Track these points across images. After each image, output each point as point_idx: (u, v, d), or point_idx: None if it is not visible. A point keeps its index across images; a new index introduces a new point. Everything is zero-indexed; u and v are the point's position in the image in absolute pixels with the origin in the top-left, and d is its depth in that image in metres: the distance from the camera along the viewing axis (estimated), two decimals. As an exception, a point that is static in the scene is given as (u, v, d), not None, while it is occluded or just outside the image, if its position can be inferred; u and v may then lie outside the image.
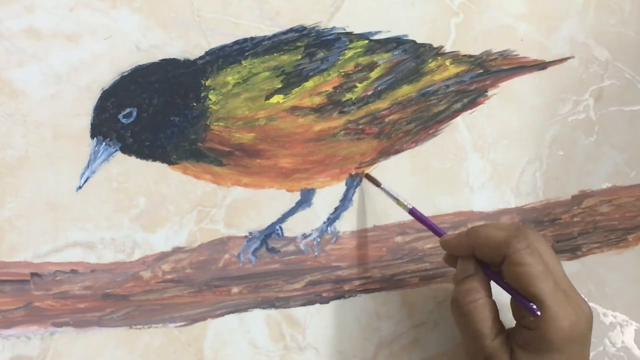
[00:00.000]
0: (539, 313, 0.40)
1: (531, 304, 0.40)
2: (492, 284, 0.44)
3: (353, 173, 0.51)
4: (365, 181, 0.51)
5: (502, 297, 0.43)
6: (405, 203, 0.48)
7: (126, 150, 0.48)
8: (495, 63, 0.53)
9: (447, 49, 0.53)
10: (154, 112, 0.48)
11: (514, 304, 0.43)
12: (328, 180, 0.51)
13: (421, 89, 0.52)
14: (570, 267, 0.53)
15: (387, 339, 0.50)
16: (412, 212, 0.48)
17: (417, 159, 0.52)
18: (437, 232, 0.47)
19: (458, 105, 0.53)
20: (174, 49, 0.49)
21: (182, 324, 0.48)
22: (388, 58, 0.52)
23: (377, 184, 0.50)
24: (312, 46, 0.51)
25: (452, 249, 0.45)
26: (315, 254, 0.50)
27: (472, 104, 0.53)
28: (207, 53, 0.49)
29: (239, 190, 0.49)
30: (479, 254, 0.43)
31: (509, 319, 0.44)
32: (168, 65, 0.49)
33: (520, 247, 0.41)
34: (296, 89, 0.50)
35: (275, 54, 0.50)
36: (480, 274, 0.43)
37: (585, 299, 0.43)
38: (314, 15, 0.51)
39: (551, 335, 0.40)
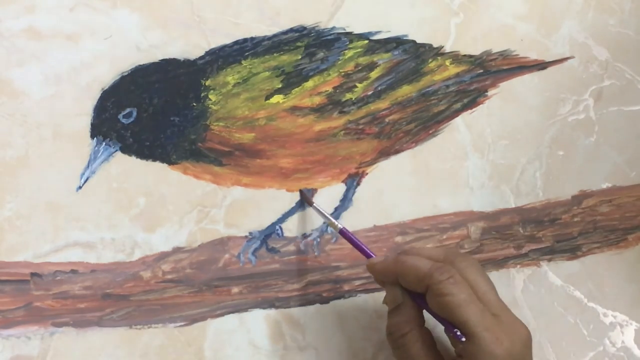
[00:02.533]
0: (463, 339, 0.39)
1: (456, 330, 0.40)
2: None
3: (353, 173, 0.51)
4: (365, 181, 0.51)
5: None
6: (336, 223, 0.47)
7: (126, 150, 0.48)
8: (495, 63, 0.53)
9: (447, 49, 0.53)
10: (154, 112, 0.48)
11: (447, 333, 0.42)
12: (328, 180, 0.51)
13: (421, 89, 0.52)
14: (570, 267, 0.53)
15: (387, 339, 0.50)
16: (342, 232, 0.47)
17: (417, 159, 0.52)
18: (367, 253, 0.45)
19: (458, 105, 0.53)
20: (174, 49, 0.49)
21: (182, 324, 0.48)
22: (388, 58, 0.52)
23: (309, 202, 0.49)
24: (312, 46, 0.51)
25: (378, 273, 0.44)
26: (315, 254, 0.50)
27: (472, 104, 0.53)
28: (207, 53, 0.49)
29: (239, 190, 0.49)
30: (404, 283, 0.42)
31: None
32: (168, 65, 0.49)
33: (442, 278, 0.40)
34: (296, 89, 0.50)
35: (275, 54, 0.50)
36: (408, 303, 0.42)
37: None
38: (314, 15, 0.51)
39: None
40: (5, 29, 0.47)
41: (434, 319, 0.42)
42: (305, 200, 0.49)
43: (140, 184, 0.48)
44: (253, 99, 0.49)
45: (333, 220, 0.47)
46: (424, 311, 0.42)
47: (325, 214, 0.48)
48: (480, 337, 0.39)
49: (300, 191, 0.50)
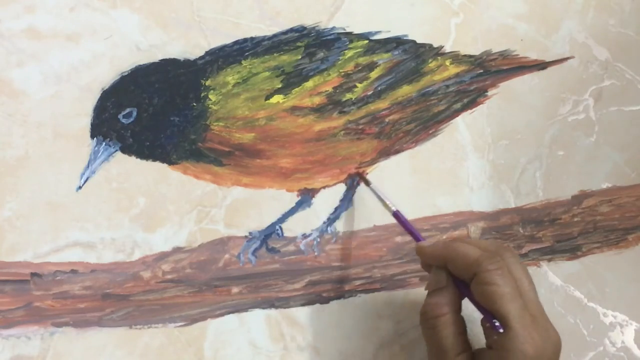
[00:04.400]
0: (501, 330, 0.40)
1: (495, 321, 0.40)
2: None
3: (353, 173, 0.51)
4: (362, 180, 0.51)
5: (475, 315, 0.43)
6: (390, 205, 0.48)
7: (126, 150, 0.48)
8: (495, 63, 0.53)
9: (447, 49, 0.53)
10: (154, 112, 0.48)
11: (483, 323, 0.43)
12: (328, 180, 0.51)
13: (421, 89, 0.52)
14: (570, 267, 0.53)
15: (387, 339, 0.50)
16: (396, 215, 0.48)
17: (417, 159, 0.52)
18: (416, 237, 0.46)
19: (458, 105, 0.53)
20: (174, 49, 0.49)
21: (182, 324, 0.48)
22: (388, 58, 0.52)
23: (367, 183, 0.50)
24: (312, 46, 0.51)
25: (426, 256, 0.45)
26: (315, 254, 0.50)
27: (472, 104, 0.53)
28: (207, 53, 0.49)
29: (239, 190, 0.49)
30: (451, 267, 0.43)
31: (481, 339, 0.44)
32: (168, 65, 0.49)
33: (491, 267, 0.40)
34: (296, 89, 0.50)
35: (275, 54, 0.50)
36: (451, 287, 0.43)
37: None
38: (314, 15, 0.51)
39: (512, 358, 0.39)
40: (5, 29, 0.47)
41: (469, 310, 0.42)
42: (363, 181, 0.50)
43: (140, 184, 0.48)
44: (253, 99, 0.49)
45: (388, 202, 0.48)
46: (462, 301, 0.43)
47: (381, 195, 0.49)
48: (516, 333, 0.39)
49: (358, 173, 0.51)
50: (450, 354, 0.41)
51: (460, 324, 0.42)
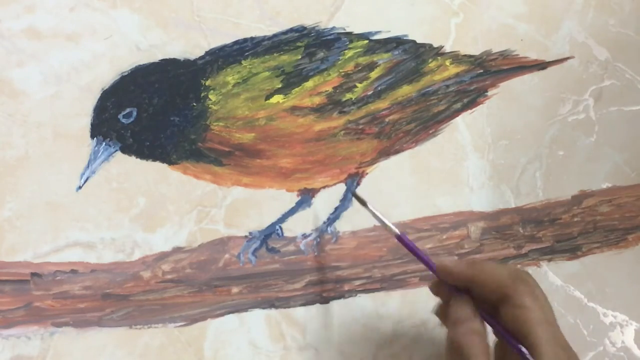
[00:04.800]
0: (530, 358, 0.37)
1: (524, 350, 0.38)
2: None
3: (353, 173, 0.51)
4: (365, 181, 0.51)
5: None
6: (393, 228, 0.44)
7: (126, 150, 0.48)
8: (495, 63, 0.53)
9: (447, 49, 0.53)
10: (154, 112, 0.48)
11: (500, 348, 0.41)
12: (328, 180, 0.51)
13: (421, 89, 0.52)
14: (570, 267, 0.53)
15: (387, 339, 0.50)
16: (400, 238, 0.44)
17: (417, 159, 0.52)
18: (428, 263, 0.43)
19: (458, 105, 0.53)
20: (174, 49, 0.49)
21: (182, 324, 0.48)
22: (388, 58, 0.52)
23: (362, 202, 0.46)
24: (312, 46, 0.51)
25: (450, 276, 0.41)
26: (315, 254, 0.50)
27: (472, 104, 0.53)
28: (207, 53, 0.49)
29: (239, 190, 0.49)
30: (479, 288, 0.40)
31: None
32: (168, 65, 0.49)
33: (524, 289, 0.38)
34: (296, 89, 0.50)
35: (275, 54, 0.50)
36: (479, 318, 0.40)
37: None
38: (314, 15, 0.51)
39: None
40: (5, 29, 0.47)
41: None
42: (357, 201, 0.46)
43: (140, 184, 0.48)
44: (253, 99, 0.49)
45: (389, 224, 0.44)
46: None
47: (381, 217, 0.45)
48: None
49: (353, 193, 0.48)
50: None
51: (490, 352, 0.39)
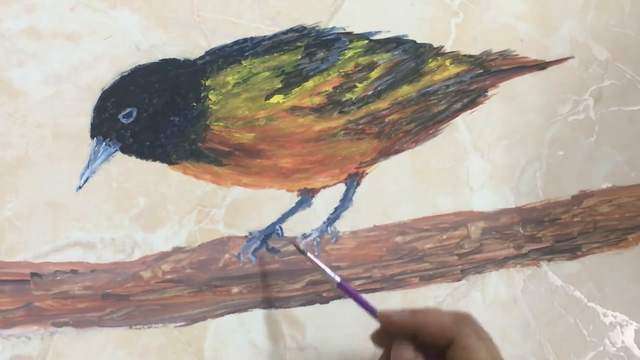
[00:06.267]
0: None
1: None
2: None
3: (353, 173, 0.51)
4: (365, 181, 0.51)
5: None
6: (333, 276, 0.44)
7: (126, 150, 0.48)
8: (495, 63, 0.54)
9: (447, 49, 0.53)
10: (154, 112, 0.48)
11: None
12: (328, 180, 0.51)
13: (421, 89, 0.52)
14: (570, 267, 0.53)
15: None
16: (341, 286, 0.44)
17: (417, 159, 0.52)
18: (370, 308, 0.43)
19: (458, 105, 0.53)
20: (174, 49, 0.49)
21: (182, 324, 0.48)
22: (388, 58, 0.52)
23: (302, 252, 0.47)
24: (312, 46, 0.51)
25: (393, 325, 0.41)
26: (316, 254, 0.50)
27: (472, 104, 0.53)
28: (207, 53, 0.49)
29: (239, 190, 0.49)
30: (423, 334, 0.40)
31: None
32: (168, 65, 0.49)
33: (469, 332, 0.39)
34: (296, 89, 0.50)
35: (275, 54, 0.50)
36: (420, 357, 0.40)
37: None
38: (314, 15, 0.51)
39: None
40: (5, 29, 0.47)
41: None
42: (298, 250, 0.47)
43: (140, 184, 0.48)
44: (253, 99, 0.49)
45: (330, 273, 0.44)
46: None
47: (322, 266, 0.45)
48: None
49: (294, 244, 0.48)
50: None
51: None
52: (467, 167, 0.53)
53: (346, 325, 0.50)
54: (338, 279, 0.44)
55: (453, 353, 0.39)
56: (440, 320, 0.40)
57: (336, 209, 0.51)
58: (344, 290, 0.44)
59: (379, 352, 0.50)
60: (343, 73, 0.51)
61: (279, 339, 0.49)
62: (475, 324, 0.40)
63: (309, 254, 0.46)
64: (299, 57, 0.50)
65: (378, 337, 0.43)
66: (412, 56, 0.52)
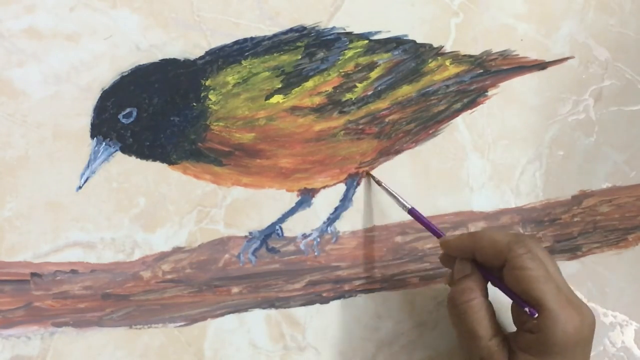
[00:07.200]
0: (536, 315, 0.40)
1: (527, 307, 0.41)
2: (493, 289, 0.44)
3: (353, 173, 0.51)
4: (365, 180, 0.51)
5: (503, 302, 0.44)
6: (405, 203, 0.48)
7: (126, 150, 0.48)
8: (495, 63, 0.53)
9: (447, 49, 0.53)
10: (154, 112, 0.48)
11: (514, 309, 0.44)
12: (328, 180, 0.51)
13: (421, 89, 0.52)
14: (570, 267, 0.53)
15: (387, 339, 0.50)
16: (412, 212, 0.48)
17: (417, 159, 0.52)
18: (437, 232, 0.47)
19: (458, 105, 0.53)
20: (174, 49, 0.49)
21: (182, 324, 0.48)
22: (388, 58, 0.52)
23: (377, 182, 0.50)
24: (312, 46, 0.51)
25: (452, 249, 0.45)
26: (315, 254, 0.50)
27: (472, 104, 0.53)
28: (207, 53, 0.49)
29: (239, 190, 0.49)
30: (480, 256, 0.43)
31: (510, 324, 0.44)
32: (168, 65, 0.49)
33: (521, 251, 0.41)
34: (296, 89, 0.50)
35: (275, 54, 0.50)
36: (476, 274, 0.44)
37: (585, 300, 0.43)
38: (314, 15, 0.51)
39: (554, 338, 0.40)
40: (5, 29, 0.47)
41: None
42: (374, 180, 0.50)
43: (140, 184, 0.48)
44: (253, 99, 0.49)
45: (402, 200, 0.49)
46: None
47: (394, 193, 0.49)
48: (555, 314, 0.40)
49: (368, 173, 0.51)
50: (484, 338, 0.42)
51: (490, 308, 0.43)
52: (467, 167, 0.53)
53: (346, 325, 0.50)
54: (409, 205, 0.48)
55: (507, 272, 0.42)
56: (494, 242, 0.43)
57: (336, 209, 0.51)
58: (414, 217, 0.48)
59: (379, 352, 0.51)
60: (343, 73, 0.51)
61: (279, 339, 0.49)
62: (527, 243, 0.42)
63: (383, 183, 0.50)
64: (299, 57, 0.50)
65: (444, 260, 0.47)
66: (412, 56, 0.52)
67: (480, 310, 0.42)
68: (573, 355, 0.41)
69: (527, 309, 0.41)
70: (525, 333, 0.42)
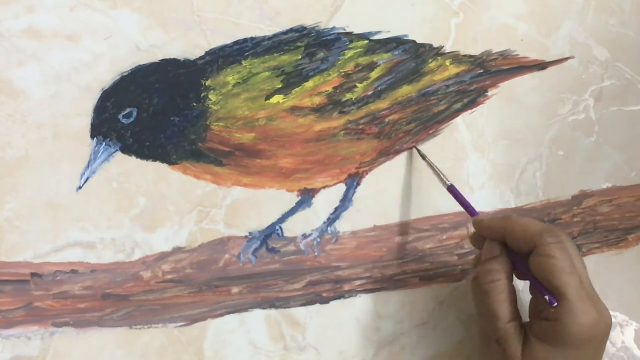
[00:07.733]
0: (555, 304, 0.41)
1: (548, 295, 0.41)
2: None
3: (353, 173, 0.51)
4: (365, 181, 0.51)
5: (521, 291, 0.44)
6: (445, 180, 0.49)
7: (126, 150, 0.48)
8: (495, 63, 0.54)
9: (447, 49, 0.53)
10: (154, 112, 0.48)
11: (533, 297, 0.44)
12: (328, 180, 0.51)
13: (421, 89, 0.52)
14: (570, 267, 0.53)
15: (387, 339, 0.50)
16: (450, 189, 0.49)
17: (417, 159, 0.52)
18: (472, 211, 0.48)
19: (458, 105, 0.53)
20: (174, 49, 0.49)
21: (182, 324, 0.48)
22: (388, 58, 0.52)
23: (422, 156, 0.51)
24: (312, 46, 0.51)
25: (484, 229, 0.46)
26: (315, 254, 0.50)
27: (472, 104, 0.53)
28: (207, 53, 0.49)
29: (239, 190, 0.49)
30: (510, 240, 0.44)
31: (525, 314, 0.44)
32: (168, 65, 0.49)
33: (551, 240, 0.42)
34: (296, 89, 0.50)
35: (275, 54, 0.50)
36: (504, 256, 0.44)
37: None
38: (314, 15, 0.51)
39: (570, 329, 0.40)
40: (5, 29, 0.47)
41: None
42: (419, 154, 0.51)
43: (140, 184, 0.48)
44: (253, 99, 0.49)
45: (443, 176, 0.50)
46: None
47: (437, 169, 0.50)
48: (573, 305, 0.40)
49: (416, 148, 0.52)
50: (502, 319, 0.42)
51: (513, 292, 0.43)
52: (467, 167, 0.53)
53: (346, 325, 0.50)
54: (449, 182, 0.49)
55: (535, 259, 0.42)
56: (526, 227, 0.43)
57: (336, 209, 0.51)
58: (452, 194, 0.49)
59: (379, 352, 0.50)
60: (343, 73, 0.51)
61: (279, 339, 0.49)
62: (560, 236, 0.42)
63: (427, 158, 0.51)
64: (299, 57, 0.50)
65: (474, 240, 0.47)
66: (412, 56, 0.52)
67: (503, 292, 0.43)
68: (586, 350, 0.41)
69: (547, 297, 0.41)
70: (541, 321, 0.42)
